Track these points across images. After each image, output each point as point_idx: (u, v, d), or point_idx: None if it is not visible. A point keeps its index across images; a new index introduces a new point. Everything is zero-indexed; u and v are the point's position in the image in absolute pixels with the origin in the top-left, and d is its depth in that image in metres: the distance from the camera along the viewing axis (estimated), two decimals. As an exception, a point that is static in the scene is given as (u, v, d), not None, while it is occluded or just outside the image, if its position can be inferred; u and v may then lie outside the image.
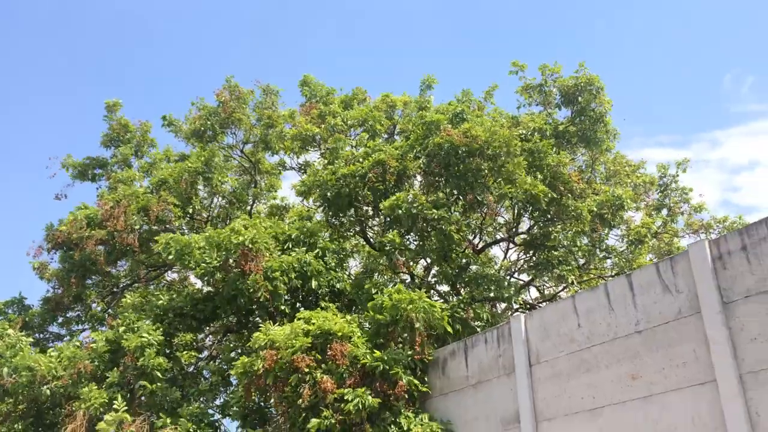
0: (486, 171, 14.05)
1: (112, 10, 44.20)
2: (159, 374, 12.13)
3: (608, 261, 17.96)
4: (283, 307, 12.95)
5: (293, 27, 48.05)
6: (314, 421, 10.16)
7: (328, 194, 14.49)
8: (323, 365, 10.91)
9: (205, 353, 16.96)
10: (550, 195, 14.24)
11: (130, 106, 47.67)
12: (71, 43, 44.59)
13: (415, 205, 13.67)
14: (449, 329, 11.81)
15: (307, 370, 10.67)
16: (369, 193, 14.67)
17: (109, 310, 17.73)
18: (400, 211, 13.55)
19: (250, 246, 12.58)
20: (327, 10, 47.37)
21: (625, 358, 8.64)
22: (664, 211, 18.66)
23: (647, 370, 8.36)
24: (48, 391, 12.51)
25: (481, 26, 47.31)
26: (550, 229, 15.12)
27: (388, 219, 14.64)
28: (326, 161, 15.29)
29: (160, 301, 13.64)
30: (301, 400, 10.48)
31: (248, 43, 47.82)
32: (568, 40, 46.50)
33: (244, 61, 45.97)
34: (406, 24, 47.71)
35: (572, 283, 15.96)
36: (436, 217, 13.33)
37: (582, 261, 16.81)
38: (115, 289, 18.38)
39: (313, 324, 11.27)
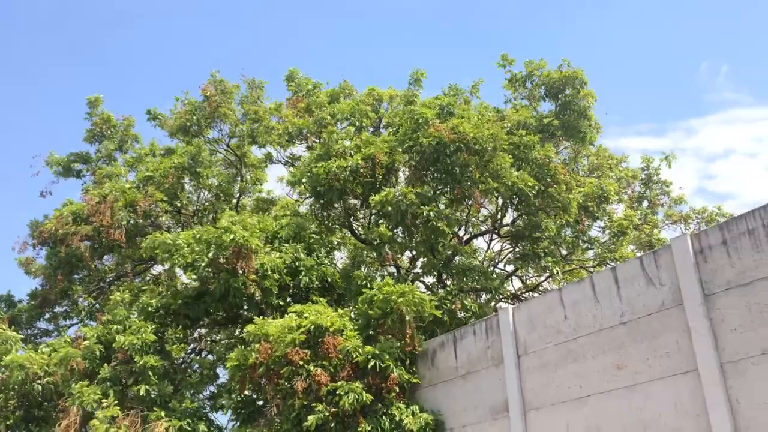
0: (473, 166, 14.22)
1: (98, 4, 43.58)
2: (152, 374, 12.18)
3: (590, 252, 18.35)
4: (277, 301, 13.02)
5: (279, 20, 47.74)
6: (311, 417, 10.32)
7: (319, 188, 14.52)
8: (316, 359, 11.05)
9: (193, 345, 16.99)
10: (537, 187, 14.48)
11: (113, 101, 47.10)
12: (54, 38, 43.92)
13: (404, 201, 13.79)
14: (437, 314, 11.99)
15: (301, 363, 10.82)
16: (358, 186, 14.75)
17: (97, 305, 17.70)
18: (389, 207, 13.66)
19: (242, 243, 12.62)
20: (315, 4, 47.16)
21: (611, 348, 8.91)
22: (645, 203, 19.08)
23: (632, 360, 8.63)
24: (40, 388, 12.53)
25: (459, 20, 47.43)
26: (539, 215, 15.28)
27: (375, 212, 14.76)
28: (317, 153, 15.27)
29: (153, 300, 13.63)
30: (295, 394, 10.63)
31: (234, 37, 47.46)
32: (544, 29, 46.87)
33: (229, 54, 45.65)
34: (395, 20, 47.66)
35: (557, 273, 16.27)
36: (425, 213, 13.49)
37: (565, 252, 17.16)
38: (102, 284, 18.35)
39: (306, 318, 11.40)
